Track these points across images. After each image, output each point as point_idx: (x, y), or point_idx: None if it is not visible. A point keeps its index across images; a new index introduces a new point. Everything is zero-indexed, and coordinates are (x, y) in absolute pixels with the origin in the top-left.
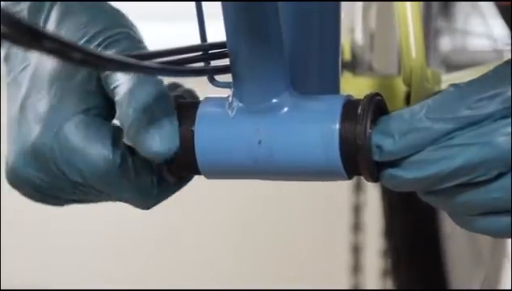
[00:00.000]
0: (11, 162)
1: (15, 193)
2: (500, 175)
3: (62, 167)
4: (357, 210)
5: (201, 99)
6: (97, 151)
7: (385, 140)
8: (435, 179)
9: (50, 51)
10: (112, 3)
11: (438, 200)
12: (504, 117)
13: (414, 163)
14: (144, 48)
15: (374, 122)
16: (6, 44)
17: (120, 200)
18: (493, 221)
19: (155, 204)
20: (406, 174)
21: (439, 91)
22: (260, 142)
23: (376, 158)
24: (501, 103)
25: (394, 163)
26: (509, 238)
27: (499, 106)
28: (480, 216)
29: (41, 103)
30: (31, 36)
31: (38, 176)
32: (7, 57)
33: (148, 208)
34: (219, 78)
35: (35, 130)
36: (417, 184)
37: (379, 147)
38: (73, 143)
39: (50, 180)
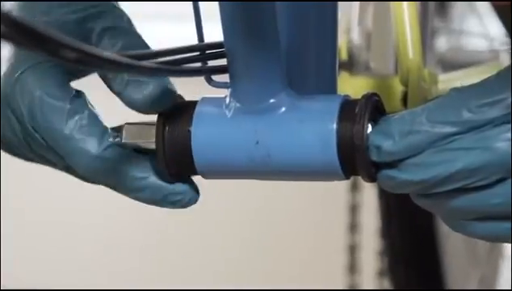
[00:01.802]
0: None
1: (15, 193)
2: (500, 181)
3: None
4: (353, 210)
5: (198, 99)
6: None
7: (385, 140)
8: (433, 182)
9: (48, 51)
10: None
11: (432, 204)
12: (505, 123)
13: (413, 165)
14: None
15: (371, 122)
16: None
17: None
18: (492, 227)
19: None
20: (404, 175)
21: (440, 95)
22: (257, 142)
23: (374, 158)
24: (503, 109)
25: (392, 165)
26: (508, 243)
27: (500, 112)
28: (477, 221)
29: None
30: (30, 37)
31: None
32: None
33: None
34: (216, 78)
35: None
36: (414, 186)
37: (377, 147)
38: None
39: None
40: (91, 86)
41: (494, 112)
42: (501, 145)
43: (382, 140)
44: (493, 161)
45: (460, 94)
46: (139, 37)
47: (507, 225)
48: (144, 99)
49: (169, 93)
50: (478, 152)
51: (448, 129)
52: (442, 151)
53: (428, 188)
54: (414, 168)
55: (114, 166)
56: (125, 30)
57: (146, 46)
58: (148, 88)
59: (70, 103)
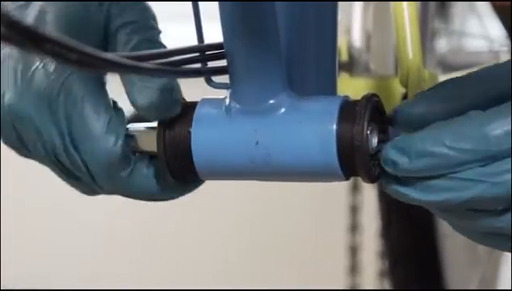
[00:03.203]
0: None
1: (16, 193)
2: (504, 210)
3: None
4: (354, 211)
5: (198, 100)
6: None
7: (401, 157)
8: (441, 206)
9: (48, 52)
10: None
11: (440, 215)
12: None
13: (423, 186)
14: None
15: (371, 123)
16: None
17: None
18: (495, 240)
19: (154, 199)
20: (413, 194)
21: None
22: (257, 143)
23: (389, 171)
24: None
25: (401, 178)
26: (509, 252)
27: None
28: (482, 234)
29: None
30: (29, 38)
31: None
32: None
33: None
34: (216, 78)
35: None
36: (421, 204)
37: (394, 163)
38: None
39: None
40: None
41: (508, 143)
42: (509, 178)
43: (398, 156)
44: (502, 195)
45: (479, 118)
46: (157, 34)
47: (508, 242)
48: (149, 105)
49: (175, 102)
50: (489, 185)
51: (464, 156)
52: (455, 179)
53: (435, 208)
54: (424, 189)
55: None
56: (145, 26)
57: (161, 45)
58: (153, 94)
59: (109, 123)
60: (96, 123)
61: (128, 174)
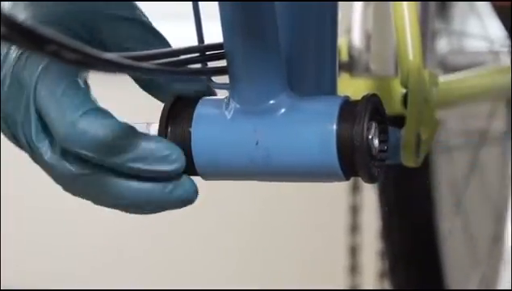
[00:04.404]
0: None
1: (16, 194)
2: None
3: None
4: (354, 211)
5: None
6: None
7: None
8: None
9: (48, 52)
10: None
11: None
12: None
13: None
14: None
15: (371, 123)
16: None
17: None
18: None
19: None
20: None
21: None
22: (257, 143)
23: None
24: None
25: None
26: None
27: None
28: None
29: None
30: (30, 38)
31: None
32: None
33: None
34: (216, 79)
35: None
36: None
37: None
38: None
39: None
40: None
41: None
42: None
43: None
44: None
45: None
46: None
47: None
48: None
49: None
50: None
51: None
52: None
53: None
54: None
55: None
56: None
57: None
58: (194, 86)
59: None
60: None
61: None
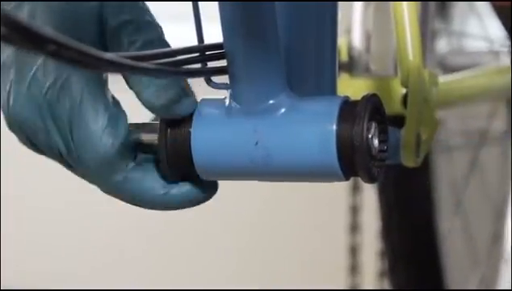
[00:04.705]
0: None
1: (16, 193)
2: None
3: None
4: (354, 211)
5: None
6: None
7: None
8: None
9: (48, 52)
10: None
11: None
12: None
13: None
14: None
15: (371, 123)
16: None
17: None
18: None
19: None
20: None
21: None
22: (257, 143)
23: None
24: None
25: None
26: None
27: None
28: None
29: None
30: (30, 38)
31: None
32: None
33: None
34: (216, 79)
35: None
36: None
37: None
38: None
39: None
40: None
41: None
42: None
43: None
44: None
45: None
46: (161, 33)
47: None
48: (166, 104)
49: (191, 99)
50: None
51: None
52: None
53: None
54: None
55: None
56: (145, 25)
57: (167, 44)
58: (169, 93)
59: (106, 126)
60: (94, 125)
61: (124, 177)
